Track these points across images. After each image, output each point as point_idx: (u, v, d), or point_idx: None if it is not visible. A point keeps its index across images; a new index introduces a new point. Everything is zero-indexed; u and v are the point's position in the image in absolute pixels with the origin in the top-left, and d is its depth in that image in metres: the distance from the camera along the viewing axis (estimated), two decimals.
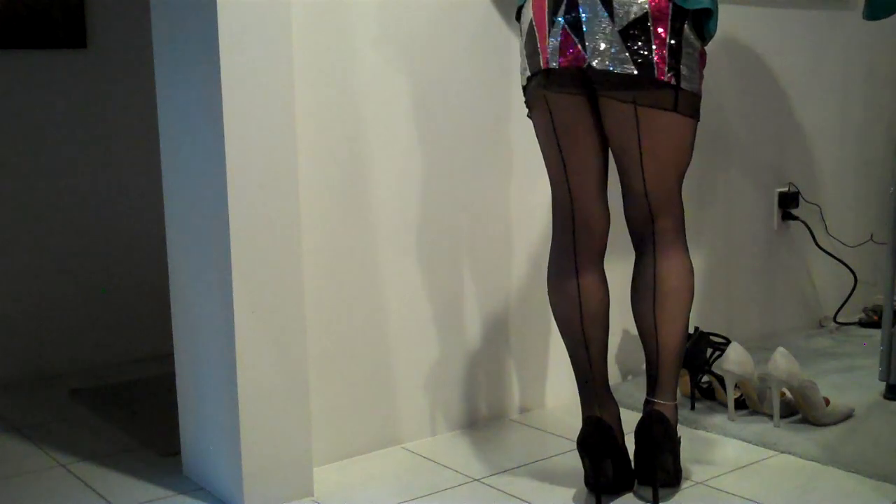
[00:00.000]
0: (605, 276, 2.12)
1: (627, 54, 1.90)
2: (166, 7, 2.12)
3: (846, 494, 2.11)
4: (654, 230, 2.06)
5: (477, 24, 2.46)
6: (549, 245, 2.63)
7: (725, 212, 3.12)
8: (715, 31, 1.98)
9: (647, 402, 2.10)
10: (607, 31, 1.90)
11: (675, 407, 2.10)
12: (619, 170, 2.07)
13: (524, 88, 2.09)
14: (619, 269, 2.52)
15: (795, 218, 3.30)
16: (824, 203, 3.39)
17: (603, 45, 1.90)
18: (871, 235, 3.52)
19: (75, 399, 2.88)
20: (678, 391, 2.65)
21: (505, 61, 2.51)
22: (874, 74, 3.51)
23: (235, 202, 2.01)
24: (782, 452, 2.32)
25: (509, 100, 2.52)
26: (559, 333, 2.15)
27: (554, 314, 2.14)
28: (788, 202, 3.28)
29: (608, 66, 1.91)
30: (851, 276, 3.41)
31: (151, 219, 3.12)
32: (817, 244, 3.34)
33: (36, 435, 2.60)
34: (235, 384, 2.05)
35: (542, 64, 1.97)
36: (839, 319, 3.43)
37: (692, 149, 2.05)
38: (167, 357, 2.40)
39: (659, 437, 2.03)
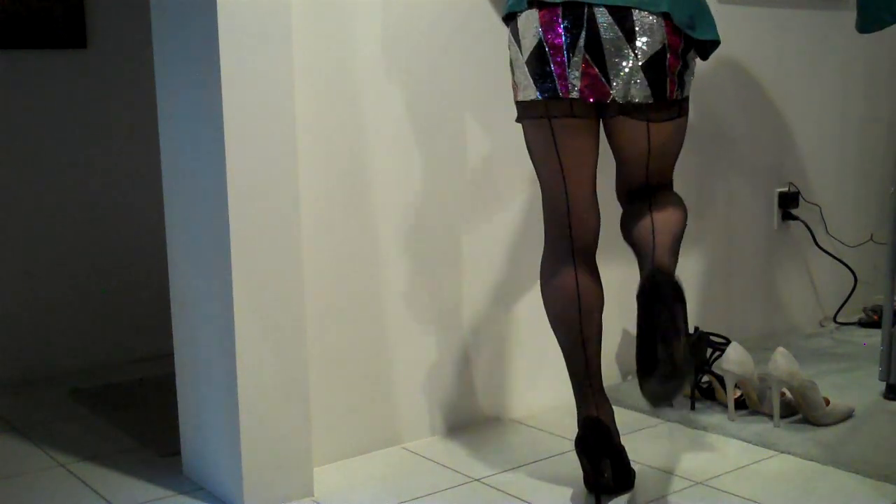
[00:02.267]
0: (599, 276, 2.13)
1: (648, 84, 1.94)
2: (166, 7, 2.12)
3: (846, 494, 2.11)
4: (650, 191, 2.09)
5: (478, 24, 2.46)
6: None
7: (725, 212, 3.12)
8: (719, 37, 2.03)
9: (651, 262, 1.94)
10: (630, 64, 1.92)
11: (675, 263, 1.97)
12: (619, 164, 2.11)
13: (522, 103, 2.07)
14: (617, 270, 2.53)
15: (795, 218, 3.30)
16: (824, 203, 3.39)
17: (626, 78, 1.93)
18: (871, 235, 3.52)
19: (75, 399, 2.88)
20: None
21: (505, 62, 2.51)
22: (874, 74, 3.51)
23: (235, 202, 2.01)
24: (782, 452, 2.32)
25: (510, 100, 2.52)
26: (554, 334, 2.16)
27: (549, 313, 2.14)
28: (788, 202, 3.28)
29: (632, 98, 1.94)
30: (851, 276, 3.41)
31: (151, 219, 3.12)
32: (817, 244, 3.34)
33: (36, 435, 2.60)
34: (235, 384, 2.05)
35: (560, 92, 1.96)
36: (839, 319, 3.43)
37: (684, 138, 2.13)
38: (167, 357, 2.40)
39: (667, 293, 1.82)
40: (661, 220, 2.04)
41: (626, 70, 1.92)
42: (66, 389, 2.97)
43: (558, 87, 1.96)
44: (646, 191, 2.10)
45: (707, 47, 2.01)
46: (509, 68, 2.08)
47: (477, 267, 2.53)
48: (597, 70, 1.93)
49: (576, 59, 1.94)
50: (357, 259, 2.34)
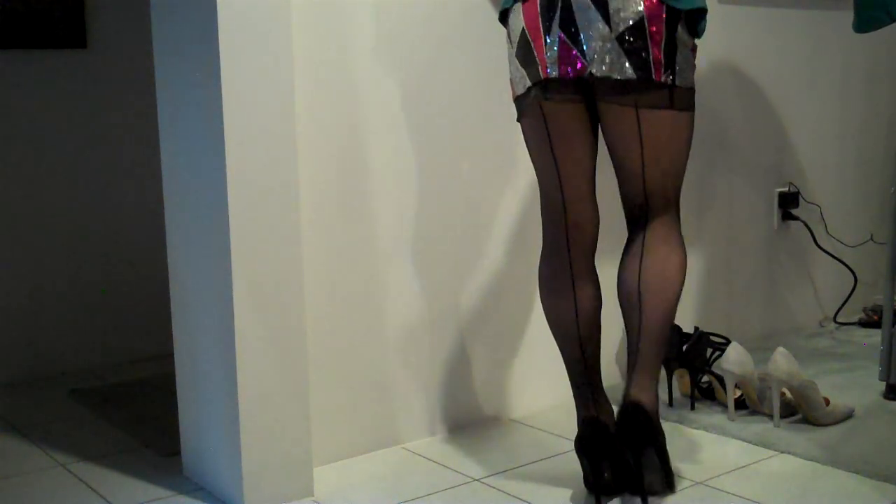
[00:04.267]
0: (597, 277, 2.12)
1: (626, 59, 1.90)
2: (166, 7, 2.12)
3: (846, 494, 2.11)
4: (648, 214, 2.04)
5: (476, 23, 2.46)
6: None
7: (725, 212, 3.12)
8: (705, 28, 1.99)
9: (625, 395, 2.00)
10: (605, 37, 1.90)
11: (657, 396, 2.01)
12: (617, 169, 2.06)
13: (518, 98, 2.06)
14: (616, 270, 2.53)
15: (795, 218, 3.30)
16: (824, 203, 3.39)
17: (602, 52, 1.90)
18: (871, 235, 3.52)
19: (75, 399, 2.88)
20: (678, 391, 2.66)
21: (502, 59, 2.51)
22: (874, 74, 3.51)
23: (235, 203, 2.01)
24: (782, 452, 2.32)
25: (508, 97, 2.52)
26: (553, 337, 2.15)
27: (548, 316, 2.13)
28: (788, 202, 3.28)
29: (608, 73, 1.91)
30: (851, 276, 3.41)
31: (151, 219, 3.12)
32: (817, 244, 3.34)
33: (36, 435, 2.60)
34: (235, 384, 2.05)
35: (540, 73, 1.96)
36: (839, 319, 3.43)
37: (690, 143, 2.06)
38: (167, 357, 2.40)
39: (639, 431, 1.95)
40: (655, 254, 2.00)
41: (600, 42, 1.90)
42: (66, 389, 2.97)
43: (539, 69, 1.96)
44: (644, 216, 2.04)
45: (696, 19, 1.96)
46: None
47: (476, 266, 2.53)
48: (572, 45, 1.92)
49: (552, 38, 1.93)
50: (357, 259, 2.34)
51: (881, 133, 3.56)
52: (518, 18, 1.99)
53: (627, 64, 1.90)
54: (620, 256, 2.08)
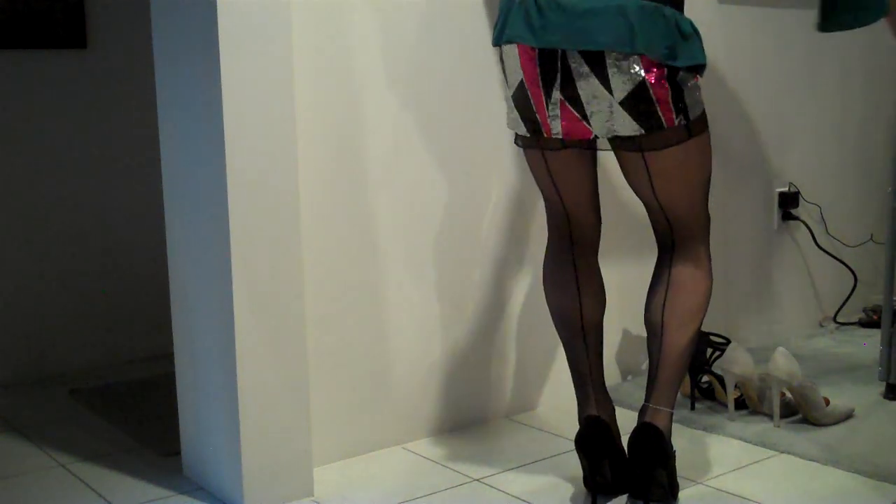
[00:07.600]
0: (601, 275, 2.14)
1: (632, 119, 1.87)
2: (166, 7, 2.12)
3: (846, 494, 2.11)
4: (674, 239, 2.06)
5: (479, 22, 2.46)
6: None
7: (725, 212, 3.12)
8: (705, 68, 1.93)
9: (642, 409, 2.06)
10: (607, 103, 1.87)
11: (671, 416, 2.06)
12: (637, 195, 2.07)
13: (515, 133, 2.07)
14: (619, 269, 2.53)
15: (795, 218, 3.30)
16: (824, 203, 3.39)
17: (606, 118, 1.88)
18: (871, 235, 3.52)
19: (75, 399, 2.88)
20: (678, 392, 2.66)
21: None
22: (874, 74, 3.51)
23: (235, 202, 2.01)
24: (782, 452, 2.32)
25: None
26: (556, 332, 2.16)
27: (552, 311, 2.15)
28: (788, 202, 3.28)
29: (616, 132, 1.89)
30: (851, 276, 3.41)
31: (151, 219, 3.12)
32: (817, 244, 3.34)
33: (36, 435, 2.60)
34: (235, 384, 2.05)
35: (544, 132, 1.95)
36: (839, 319, 3.43)
37: (710, 158, 2.03)
38: (167, 357, 2.40)
39: (651, 452, 2.00)
40: (680, 286, 2.02)
41: (604, 108, 1.88)
42: (66, 389, 2.97)
43: (541, 127, 1.95)
44: (671, 242, 2.06)
45: (697, 69, 1.92)
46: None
47: (476, 266, 2.53)
48: (574, 112, 1.90)
49: (553, 101, 1.91)
50: (357, 259, 2.34)
51: (881, 133, 3.55)
52: (515, 65, 1.94)
53: (634, 124, 1.88)
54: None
